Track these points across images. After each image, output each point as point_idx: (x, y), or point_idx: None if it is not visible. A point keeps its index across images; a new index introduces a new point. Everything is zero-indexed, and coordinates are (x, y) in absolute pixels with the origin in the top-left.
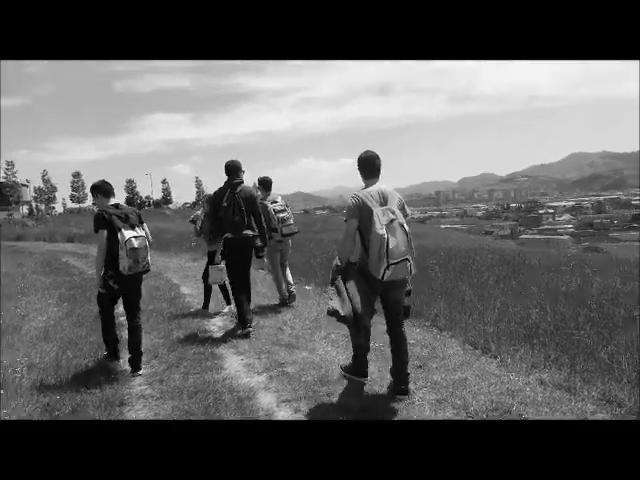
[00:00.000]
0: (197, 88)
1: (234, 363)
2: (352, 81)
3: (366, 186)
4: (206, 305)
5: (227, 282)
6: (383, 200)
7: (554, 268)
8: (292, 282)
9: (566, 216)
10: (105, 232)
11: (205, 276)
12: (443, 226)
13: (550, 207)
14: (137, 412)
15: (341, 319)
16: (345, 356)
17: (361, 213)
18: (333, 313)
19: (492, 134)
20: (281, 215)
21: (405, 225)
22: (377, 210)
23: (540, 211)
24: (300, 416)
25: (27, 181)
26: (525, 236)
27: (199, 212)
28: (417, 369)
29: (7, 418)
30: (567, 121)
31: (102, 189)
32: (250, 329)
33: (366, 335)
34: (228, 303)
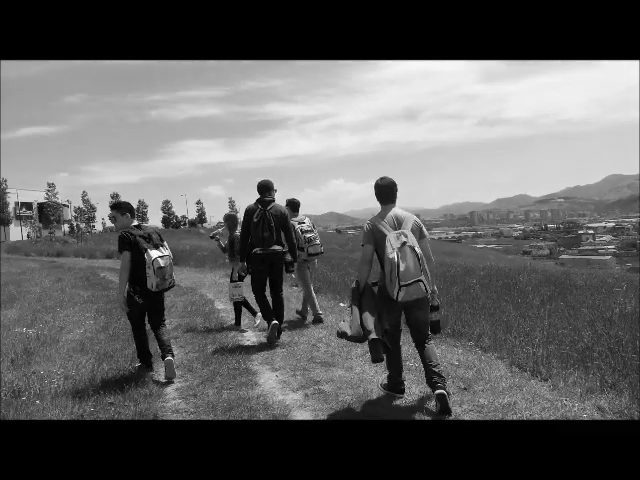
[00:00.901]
0: (228, 116)
1: (269, 380)
2: (380, 107)
3: (382, 211)
4: (237, 322)
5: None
6: (397, 224)
7: (605, 289)
8: (317, 305)
9: (607, 237)
10: (129, 253)
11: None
12: (479, 246)
13: (590, 227)
14: None
15: (350, 339)
16: (384, 375)
17: (375, 238)
18: (342, 335)
19: (525, 156)
20: (308, 235)
21: (416, 248)
22: (390, 235)
23: (579, 231)
24: None
25: (68, 202)
26: (565, 256)
27: (220, 230)
28: (462, 391)
29: None
30: (602, 143)
31: (127, 208)
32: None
33: (394, 352)
34: (254, 314)
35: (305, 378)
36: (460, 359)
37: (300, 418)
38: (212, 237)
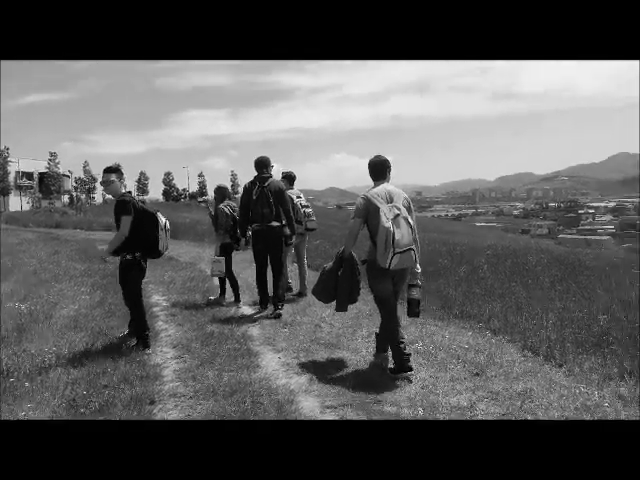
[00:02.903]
0: (235, 85)
1: (271, 362)
2: (390, 79)
3: (375, 187)
4: (222, 293)
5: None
6: (389, 198)
7: (622, 270)
8: (306, 280)
9: (608, 217)
10: (130, 218)
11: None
12: (478, 224)
13: (590, 207)
14: (168, 413)
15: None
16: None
17: (369, 211)
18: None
19: (531, 133)
20: (307, 210)
21: (410, 219)
22: (383, 207)
23: (580, 211)
24: None
25: (69, 172)
26: (563, 235)
27: (210, 197)
28: (474, 377)
29: (31, 413)
30: (610, 121)
31: (121, 173)
32: (280, 311)
33: (392, 322)
34: (222, 293)
35: (309, 360)
36: (470, 342)
37: (306, 403)
38: (200, 202)
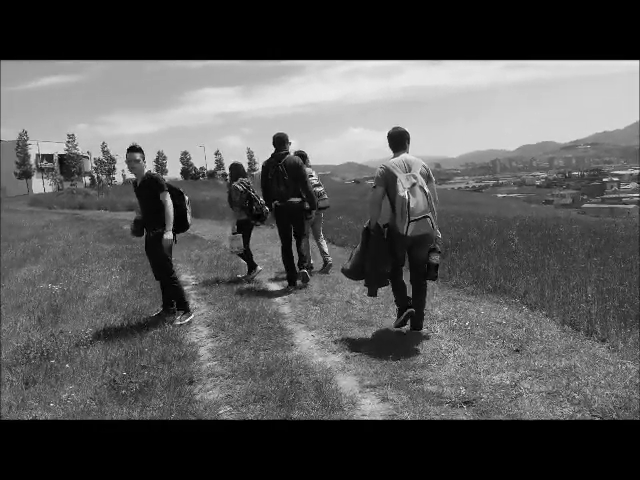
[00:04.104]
0: (246, 62)
1: (305, 340)
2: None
3: (394, 157)
4: (251, 267)
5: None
6: (407, 168)
7: None
8: (327, 252)
9: (633, 184)
10: (168, 192)
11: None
12: (500, 195)
13: (615, 175)
14: (208, 393)
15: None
16: (425, 333)
17: (387, 180)
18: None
19: (552, 101)
20: (318, 189)
21: (425, 188)
22: (401, 176)
23: (604, 179)
24: (388, 406)
25: (88, 153)
26: (587, 205)
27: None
28: (513, 353)
29: (74, 395)
30: (633, 87)
31: (143, 153)
32: (305, 271)
33: (398, 285)
34: (251, 268)
35: (343, 338)
36: (506, 317)
37: (344, 382)
38: (223, 176)
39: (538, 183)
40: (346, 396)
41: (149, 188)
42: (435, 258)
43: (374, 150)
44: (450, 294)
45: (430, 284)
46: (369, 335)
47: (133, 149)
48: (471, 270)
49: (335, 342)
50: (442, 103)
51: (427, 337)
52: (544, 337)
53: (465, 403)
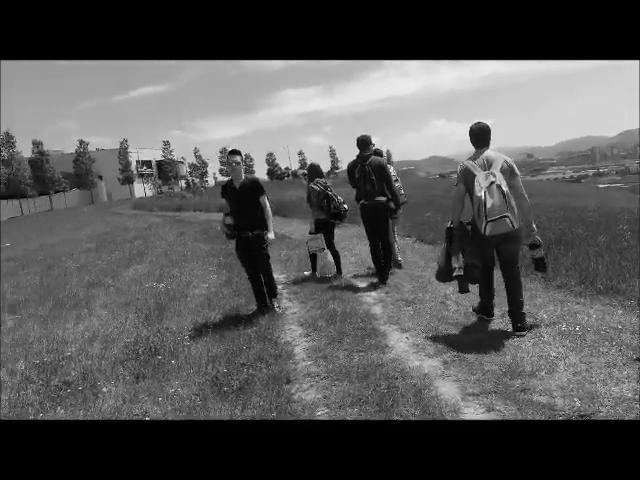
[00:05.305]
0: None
1: (399, 342)
2: None
3: (475, 153)
4: (313, 269)
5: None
6: (487, 165)
7: None
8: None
9: None
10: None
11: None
12: (602, 185)
13: None
14: (305, 392)
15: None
16: (530, 339)
17: (466, 179)
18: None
19: None
20: (396, 185)
21: (504, 187)
22: (479, 175)
23: None
24: (495, 417)
25: (182, 158)
26: None
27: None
28: (633, 362)
29: (179, 390)
30: None
31: (243, 157)
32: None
33: (486, 283)
34: (314, 270)
35: (440, 341)
36: (621, 321)
37: (444, 389)
38: (302, 176)
39: None
40: (447, 404)
41: (250, 190)
42: (536, 252)
43: (459, 142)
44: (555, 295)
45: (532, 284)
46: (467, 339)
47: (234, 152)
48: (578, 269)
49: (431, 345)
50: (527, 90)
51: (533, 342)
52: None
53: (581, 417)
